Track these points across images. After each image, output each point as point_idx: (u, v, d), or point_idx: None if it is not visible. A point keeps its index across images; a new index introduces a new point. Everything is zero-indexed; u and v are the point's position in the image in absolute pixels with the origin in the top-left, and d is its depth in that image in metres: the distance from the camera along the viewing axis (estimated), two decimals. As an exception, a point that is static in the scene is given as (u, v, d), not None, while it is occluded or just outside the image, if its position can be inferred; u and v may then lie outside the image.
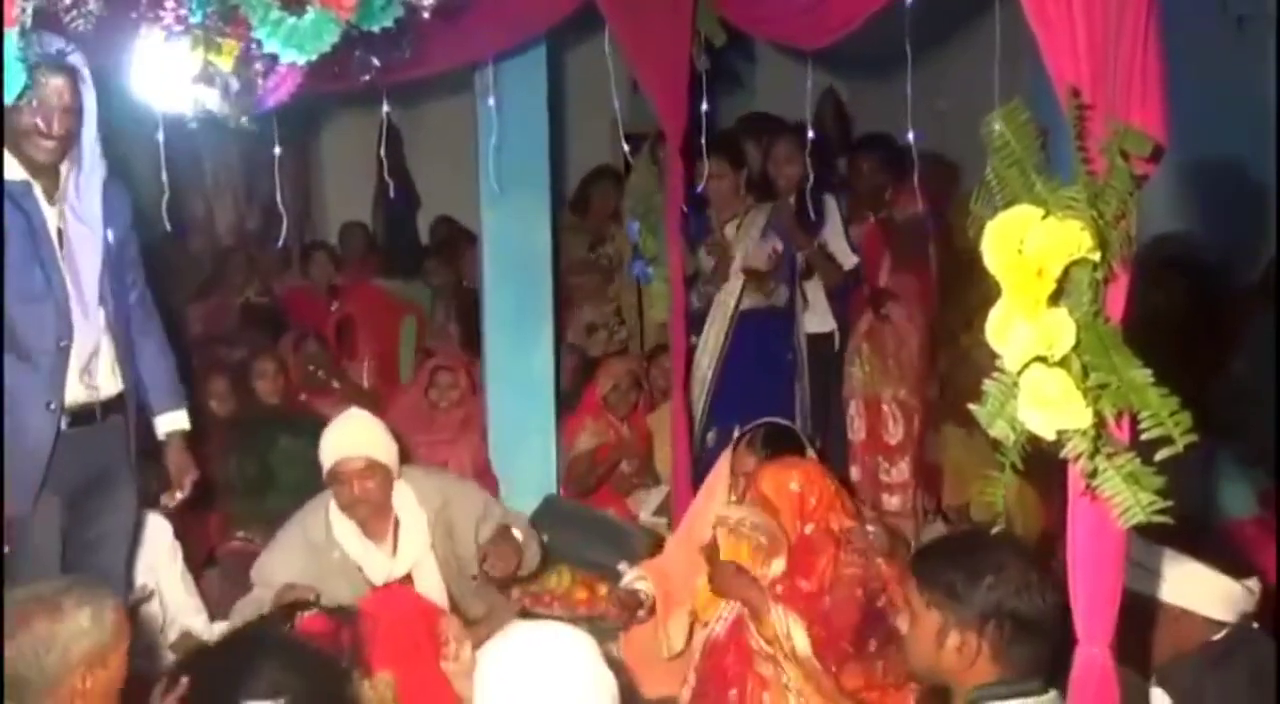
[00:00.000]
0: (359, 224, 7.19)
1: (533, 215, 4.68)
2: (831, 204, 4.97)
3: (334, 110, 7.16)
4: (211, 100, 2.41)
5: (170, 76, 2.35)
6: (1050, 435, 1.53)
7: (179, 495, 3.25)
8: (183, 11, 2.20)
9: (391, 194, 5.54)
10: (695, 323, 4.72)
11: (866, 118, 6.66)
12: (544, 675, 1.97)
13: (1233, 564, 2.47)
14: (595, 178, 6.38)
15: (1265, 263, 4.94)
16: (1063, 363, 1.50)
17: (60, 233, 2.82)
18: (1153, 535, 2.15)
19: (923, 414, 5.01)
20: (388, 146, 3.72)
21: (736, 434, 3.70)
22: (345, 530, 3.47)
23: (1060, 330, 1.47)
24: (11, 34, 2.20)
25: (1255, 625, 2.49)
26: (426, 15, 2.62)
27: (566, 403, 5.02)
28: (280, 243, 5.22)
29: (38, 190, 2.79)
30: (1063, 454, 1.57)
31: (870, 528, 3.19)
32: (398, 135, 5.93)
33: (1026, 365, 1.51)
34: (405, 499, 3.53)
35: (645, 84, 4.10)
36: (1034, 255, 1.44)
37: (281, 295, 6.50)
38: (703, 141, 4.12)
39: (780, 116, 5.38)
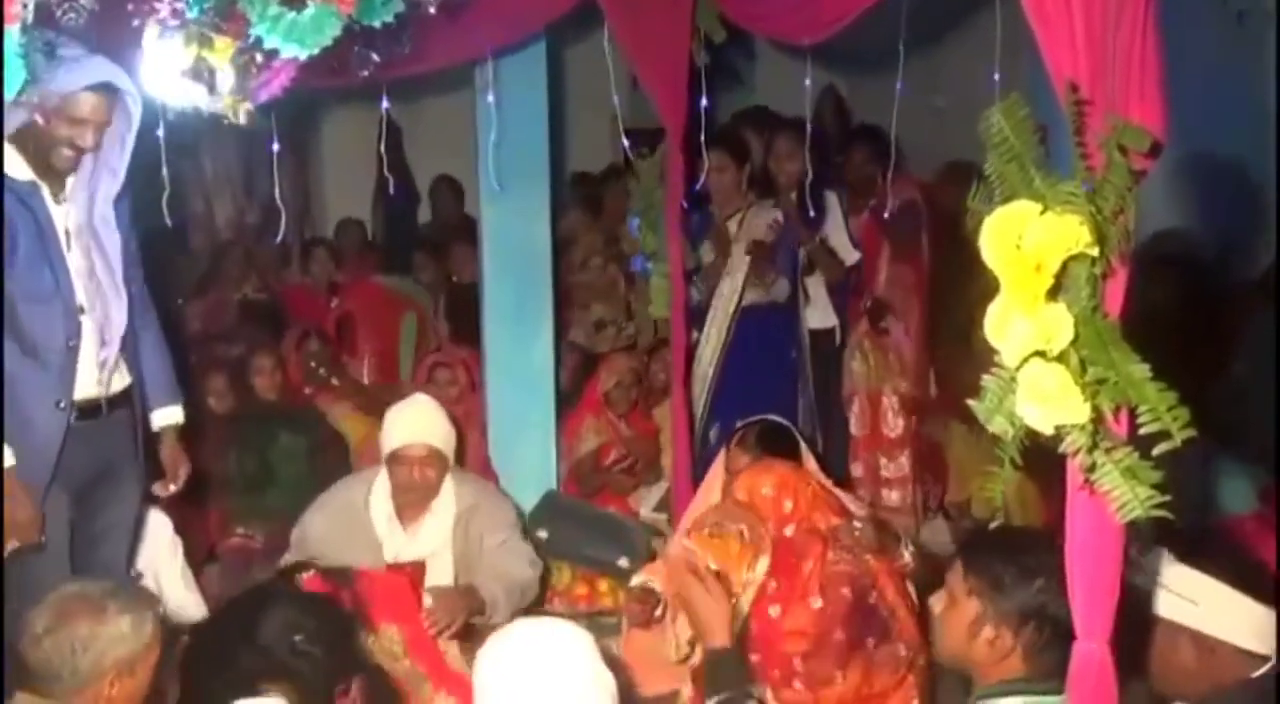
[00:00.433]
0: (356, 221, 7.19)
1: (533, 211, 4.68)
2: (833, 200, 4.98)
3: (334, 106, 7.16)
4: (206, 96, 2.41)
5: (165, 72, 2.35)
6: (1048, 430, 1.53)
7: (172, 487, 3.29)
8: (179, 6, 2.20)
9: (391, 190, 5.53)
10: (695, 319, 4.73)
11: (866, 114, 6.65)
12: (543, 672, 1.97)
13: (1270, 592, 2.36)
14: (607, 176, 6.38)
15: (1267, 262, 4.94)
16: (1061, 358, 1.50)
17: (68, 233, 2.84)
18: (1190, 559, 2.14)
19: (923, 408, 5.02)
20: (387, 142, 3.72)
21: (739, 433, 3.70)
22: (380, 504, 3.63)
23: (1058, 325, 1.47)
24: (12, 30, 2.20)
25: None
26: (433, 10, 2.63)
27: (566, 401, 5.02)
28: (279, 238, 5.21)
29: (45, 191, 2.81)
30: (1061, 449, 1.57)
31: (857, 524, 3.16)
32: (398, 131, 5.92)
33: (1025, 360, 1.51)
34: (444, 494, 3.67)
35: (645, 80, 4.10)
36: (1032, 250, 1.44)
37: (281, 292, 6.50)
38: (702, 138, 4.13)
39: (779, 112, 5.39)
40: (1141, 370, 1.49)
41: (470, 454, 4.75)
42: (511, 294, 4.73)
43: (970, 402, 1.62)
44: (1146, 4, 1.54)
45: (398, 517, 3.65)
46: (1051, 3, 1.51)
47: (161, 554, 3.75)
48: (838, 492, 3.50)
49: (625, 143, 4.37)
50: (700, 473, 4.15)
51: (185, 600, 3.82)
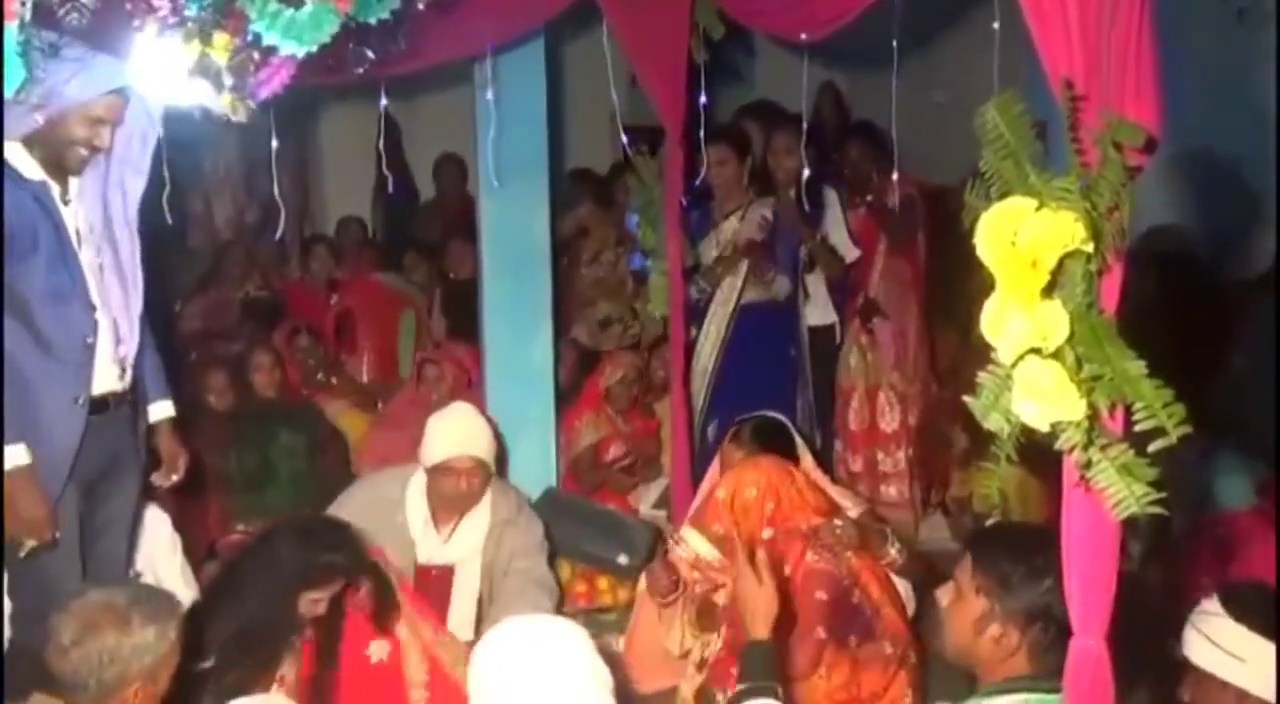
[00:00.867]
0: (357, 219, 7.19)
1: (532, 207, 4.67)
2: (832, 196, 4.99)
3: (333, 103, 7.16)
4: (206, 94, 2.41)
5: (165, 70, 2.35)
6: (1044, 427, 1.53)
7: (174, 478, 3.30)
8: (179, 3, 2.20)
9: (390, 187, 5.53)
10: (695, 316, 4.73)
11: (865, 110, 6.65)
12: (538, 668, 1.97)
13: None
14: (615, 173, 6.37)
15: (1265, 258, 4.94)
16: (1057, 355, 1.50)
17: (78, 232, 2.86)
18: (1244, 619, 2.11)
19: (924, 401, 5.03)
20: (386, 139, 3.72)
21: (732, 429, 3.70)
22: (417, 505, 3.66)
23: (1054, 322, 1.47)
24: (11, 28, 2.20)
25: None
26: (421, 6, 2.63)
27: (564, 398, 5.02)
28: (279, 236, 5.22)
29: (55, 191, 2.82)
30: (1057, 446, 1.57)
31: (837, 522, 3.15)
32: (397, 128, 5.91)
33: (1021, 357, 1.51)
34: (481, 503, 3.68)
35: (644, 77, 4.10)
36: (1028, 247, 1.44)
37: (282, 290, 6.51)
38: (701, 135, 4.12)
39: (782, 105, 5.38)
40: (1137, 367, 1.49)
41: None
42: (510, 291, 4.73)
43: (967, 398, 1.62)
44: (1142, 1, 1.54)
45: (433, 519, 3.67)
46: (1048, -1, 1.51)
47: (160, 551, 3.75)
48: (832, 488, 3.49)
49: (624, 140, 4.37)
50: (700, 470, 4.15)
51: (185, 597, 3.81)
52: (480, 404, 4.83)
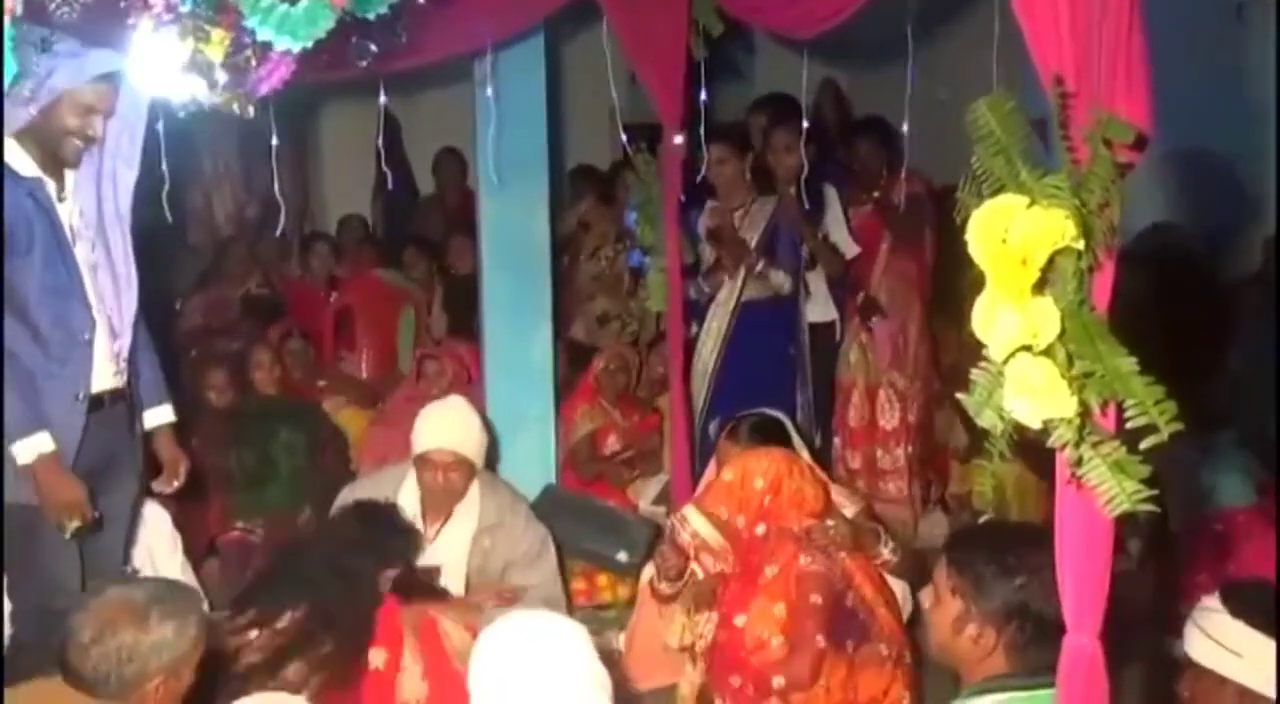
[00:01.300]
0: (358, 217, 7.20)
1: (531, 205, 4.68)
2: (832, 193, 4.97)
3: (332, 100, 7.16)
4: (202, 91, 2.41)
5: (159, 66, 2.35)
6: (1036, 424, 1.53)
7: (175, 483, 3.30)
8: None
9: (390, 184, 5.54)
10: (695, 314, 4.73)
11: (866, 107, 6.64)
12: (538, 663, 1.97)
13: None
14: (620, 170, 6.36)
15: (1262, 248, 4.92)
16: (1048, 352, 1.49)
17: (72, 228, 2.86)
18: (1242, 614, 2.11)
19: (922, 401, 5.02)
20: (386, 136, 3.72)
21: (729, 425, 3.69)
22: (407, 501, 3.62)
23: (1045, 319, 1.47)
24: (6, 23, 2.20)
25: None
26: (422, 0, 2.62)
27: (559, 394, 5.02)
28: (279, 232, 5.21)
29: (50, 187, 2.82)
30: (1049, 443, 1.56)
31: (830, 522, 3.12)
32: (396, 125, 5.92)
33: (1012, 355, 1.51)
34: (469, 504, 3.65)
35: (643, 74, 4.10)
36: (1018, 244, 1.43)
37: (282, 287, 6.51)
38: (701, 132, 4.12)
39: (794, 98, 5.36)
40: (1128, 364, 1.48)
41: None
42: (510, 288, 4.74)
43: (961, 395, 1.62)
44: (1132, -4, 1.54)
45: (423, 517, 3.64)
46: (1039, -5, 1.51)
47: (160, 548, 3.77)
48: (830, 487, 3.48)
49: (624, 137, 4.37)
50: (700, 467, 4.16)
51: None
52: (480, 402, 4.84)
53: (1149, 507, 1.51)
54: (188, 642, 2.30)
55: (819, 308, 5.06)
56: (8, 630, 3.02)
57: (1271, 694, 2.11)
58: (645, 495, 4.94)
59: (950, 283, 4.94)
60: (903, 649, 3.07)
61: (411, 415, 4.11)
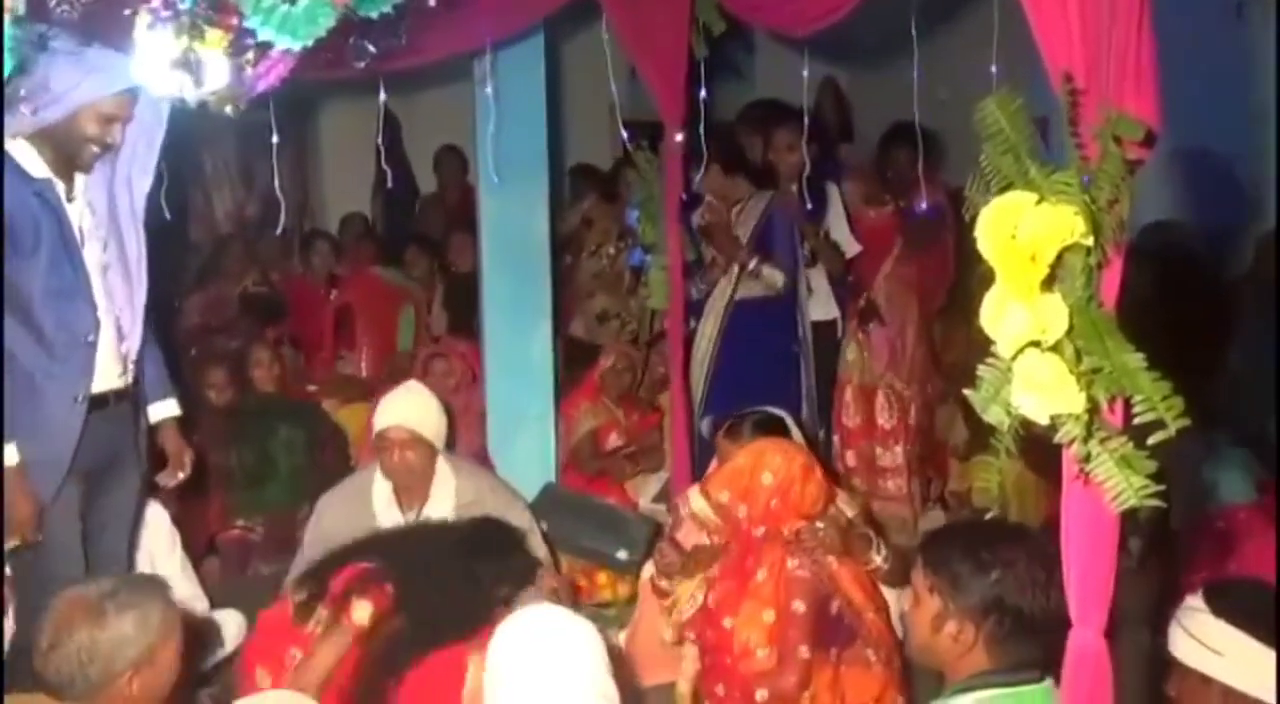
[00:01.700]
0: (359, 214, 7.20)
1: (531, 203, 4.68)
2: (833, 191, 4.97)
3: (333, 98, 7.15)
4: (199, 88, 2.40)
5: (157, 64, 2.34)
6: (1044, 420, 1.54)
7: (180, 475, 3.31)
8: (172, -4, 2.19)
9: (390, 182, 5.54)
10: (695, 311, 4.72)
11: (865, 106, 6.65)
12: (551, 657, 1.98)
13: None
14: (621, 168, 6.35)
15: (1256, 245, 4.91)
16: (1056, 348, 1.50)
17: (81, 230, 2.86)
18: (1223, 613, 2.10)
19: (921, 400, 5.02)
20: (386, 134, 3.72)
21: (729, 423, 3.69)
22: (381, 490, 3.68)
23: (1053, 315, 1.47)
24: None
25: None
26: (432, 2, 2.62)
27: (559, 392, 5.02)
28: (279, 230, 5.21)
29: (59, 188, 2.82)
30: (1056, 439, 1.57)
31: (819, 525, 3.08)
32: (396, 123, 5.92)
33: (1020, 351, 1.51)
34: (443, 484, 3.70)
35: (643, 72, 4.10)
36: (1027, 241, 1.44)
37: (282, 285, 6.51)
38: (700, 130, 4.12)
39: (787, 103, 5.36)
40: (1136, 360, 1.49)
41: (470, 446, 4.76)
42: (510, 286, 4.73)
43: (967, 391, 1.62)
44: (1141, -6, 1.54)
45: (397, 502, 3.67)
46: (1048, -6, 1.51)
47: (160, 546, 3.76)
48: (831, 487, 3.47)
49: (625, 134, 4.37)
50: (700, 464, 4.16)
51: (184, 592, 3.82)
52: (480, 399, 4.84)
53: (1155, 502, 1.52)
54: (152, 633, 2.24)
55: (821, 306, 5.06)
56: (9, 631, 3.02)
57: (1255, 692, 2.09)
58: (645, 493, 4.94)
59: (960, 281, 4.95)
60: (892, 654, 3.04)
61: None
